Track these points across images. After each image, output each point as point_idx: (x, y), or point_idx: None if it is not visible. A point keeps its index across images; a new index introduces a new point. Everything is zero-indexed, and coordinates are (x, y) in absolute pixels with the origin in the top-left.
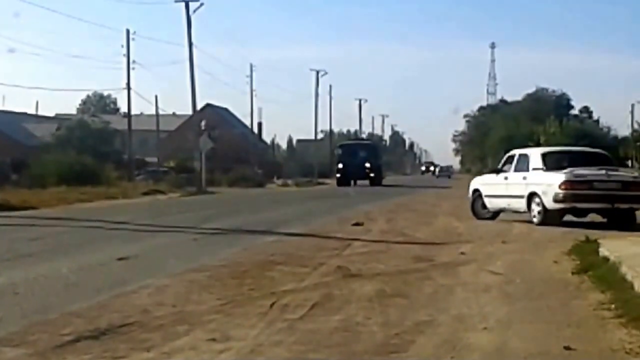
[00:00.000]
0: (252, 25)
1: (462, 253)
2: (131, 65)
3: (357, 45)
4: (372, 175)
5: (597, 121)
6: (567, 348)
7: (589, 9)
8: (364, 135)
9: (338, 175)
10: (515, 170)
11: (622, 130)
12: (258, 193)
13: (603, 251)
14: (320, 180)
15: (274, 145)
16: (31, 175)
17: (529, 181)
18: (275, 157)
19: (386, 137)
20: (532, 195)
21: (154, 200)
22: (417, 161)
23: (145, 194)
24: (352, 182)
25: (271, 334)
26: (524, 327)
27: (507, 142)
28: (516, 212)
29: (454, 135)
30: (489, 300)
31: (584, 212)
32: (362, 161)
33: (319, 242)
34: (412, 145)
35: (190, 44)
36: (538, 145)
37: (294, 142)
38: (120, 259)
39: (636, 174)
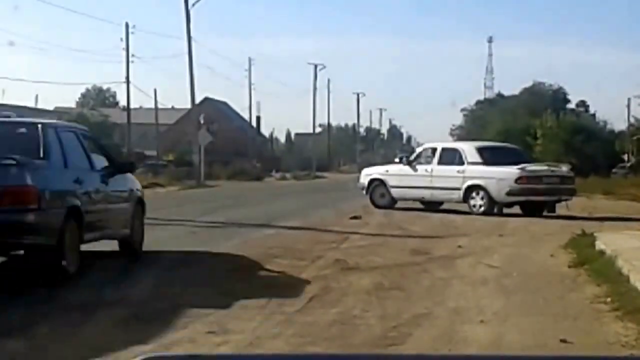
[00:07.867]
0: (250, 19)
1: (459, 246)
2: (130, 59)
3: (355, 39)
4: None
5: (594, 115)
6: (563, 341)
7: (586, 2)
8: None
9: None
10: (441, 164)
11: (619, 124)
12: (256, 186)
13: (599, 245)
14: (319, 173)
15: (272, 139)
16: None
17: (469, 174)
18: (274, 150)
19: (384, 130)
20: (471, 188)
21: (153, 194)
22: None
23: (144, 187)
24: None
25: (269, 327)
26: (520, 320)
27: (504, 136)
28: (445, 202)
29: (452, 129)
30: (485, 293)
31: (514, 204)
32: None
33: (317, 235)
34: (409, 138)
35: (189, 38)
36: (535, 138)
37: (293, 135)
38: None
39: (565, 169)
